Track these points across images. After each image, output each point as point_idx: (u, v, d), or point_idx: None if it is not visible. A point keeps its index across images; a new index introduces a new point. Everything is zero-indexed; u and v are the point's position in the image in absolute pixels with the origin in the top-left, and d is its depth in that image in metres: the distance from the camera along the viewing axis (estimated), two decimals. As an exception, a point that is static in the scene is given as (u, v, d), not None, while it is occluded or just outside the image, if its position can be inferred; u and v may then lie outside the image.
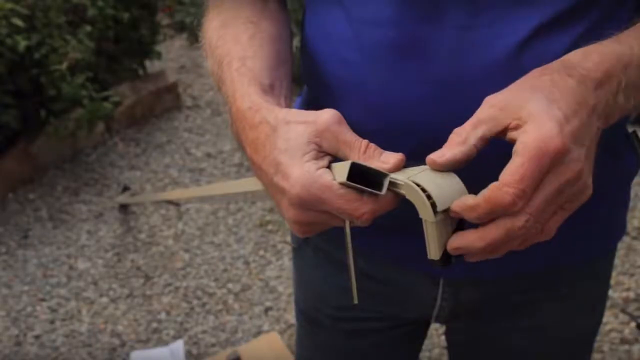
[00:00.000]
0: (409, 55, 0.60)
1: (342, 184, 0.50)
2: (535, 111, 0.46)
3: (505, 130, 0.48)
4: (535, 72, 0.50)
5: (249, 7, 0.70)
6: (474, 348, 0.90)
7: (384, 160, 0.51)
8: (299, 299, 0.94)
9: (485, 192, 0.46)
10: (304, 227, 0.54)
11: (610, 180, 0.69)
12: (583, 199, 0.49)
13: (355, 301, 0.55)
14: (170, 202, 1.13)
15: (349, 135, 0.52)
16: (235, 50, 0.64)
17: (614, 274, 2.12)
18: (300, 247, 0.88)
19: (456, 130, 0.50)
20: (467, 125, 0.49)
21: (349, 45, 0.64)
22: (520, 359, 0.86)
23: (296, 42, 0.79)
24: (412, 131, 0.61)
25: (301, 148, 0.52)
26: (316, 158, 0.52)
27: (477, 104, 0.51)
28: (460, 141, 0.49)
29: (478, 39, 0.58)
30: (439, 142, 0.61)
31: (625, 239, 2.25)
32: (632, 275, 2.12)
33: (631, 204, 2.51)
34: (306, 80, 0.75)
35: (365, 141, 0.52)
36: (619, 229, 0.80)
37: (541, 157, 0.45)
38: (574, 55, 0.51)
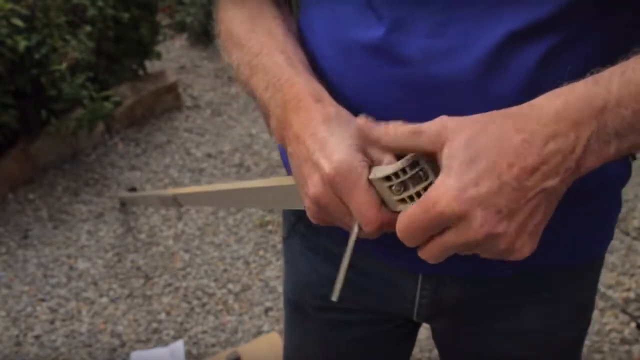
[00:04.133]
0: (381, 57, 0.62)
1: (373, 179, 0.52)
2: (453, 165, 0.46)
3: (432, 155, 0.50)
4: (495, 114, 0.49)
5: (271, 4, 0.72)
6: (460, 351, 0.89)
7: None
8: (286, 288, 0.95)
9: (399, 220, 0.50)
10: (320, 210, 0.56)
11: (598, 187, 0.67)
12: (512, 257, 0.49)
13: (334, 298, 0.56)
14: (174, 199, 1.12)
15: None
16: (272, 43, 0.66)
17: (614, 274, 2.13)
18: (289, 236, 0.89)
19: (396, 125, 0.51)
20: (407, 129, 0.51)
21: (328, 42, 0.66)
22: None
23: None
24: None
25: (352, 139, 0.54)
26: (358, 146, 0.54)
27: (446, 110, 0.51)
28: (394, 136, 0.51)
29: (446, 48, 0.59)
30: None
31: (626, 239, 2.25)
32: (632, 275, 2.12)
33: (631, 204, 2.52)
34: None
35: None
36: (606, 237, 0.78)
37: (427, 212, 0.47)
38: (538, 101, 0.49)
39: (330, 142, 0.54)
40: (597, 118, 0.47)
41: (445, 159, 0.47)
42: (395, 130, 0.51)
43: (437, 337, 0.93)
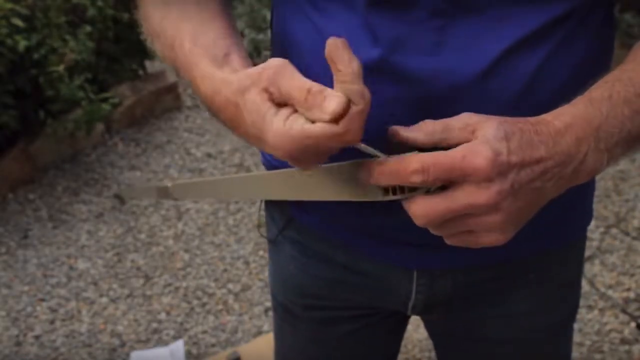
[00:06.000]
0: (380, 77, 0.62)
1: (374, 161, 0.53)
2: (488, 135, 0.50)
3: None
4: (514, 119, 0.53)
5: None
6: (454, 339, 0.92)
7: (324, 109, 0.47)
8: (276, 292, 0.96)
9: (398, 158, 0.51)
10: (303, 163, 0.52)
11: None
12: (488, 241, 0.52)
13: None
14: (168, 191, 1.11)
15: (289, 82, 0.49)
16: (185, 28, 0.63)
17: (614, 274, 2.13)
18: (277, 241, 0.89)
19: (428, 122, 0.54)
20: (440, 123, 0.53)
21: (312, 58, 0.64)
22: (499, 346, 0.88)
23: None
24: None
25: (260, 112, 0.50)
26: (276, 112, 0.50)
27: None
28: (428, 132, 0.53)
29: (444, 65, 0.61)
30: None
31: (626, 239, 2.25)
32: (632, 275, 2.12)
33: (631, 204, 2.52)
34: None
35: (307, 87, 0.48)
36: (587, 214, 0.83)
37: (460, 161, 0.49)
38: (547, 117, 0.54)
39: (256, 134, 0.51)
40: (594, 136, 0.53)
41: (480, 137, 0.50)
42: (427, 128, 0.53)
43: (429, 325, 0.95)
